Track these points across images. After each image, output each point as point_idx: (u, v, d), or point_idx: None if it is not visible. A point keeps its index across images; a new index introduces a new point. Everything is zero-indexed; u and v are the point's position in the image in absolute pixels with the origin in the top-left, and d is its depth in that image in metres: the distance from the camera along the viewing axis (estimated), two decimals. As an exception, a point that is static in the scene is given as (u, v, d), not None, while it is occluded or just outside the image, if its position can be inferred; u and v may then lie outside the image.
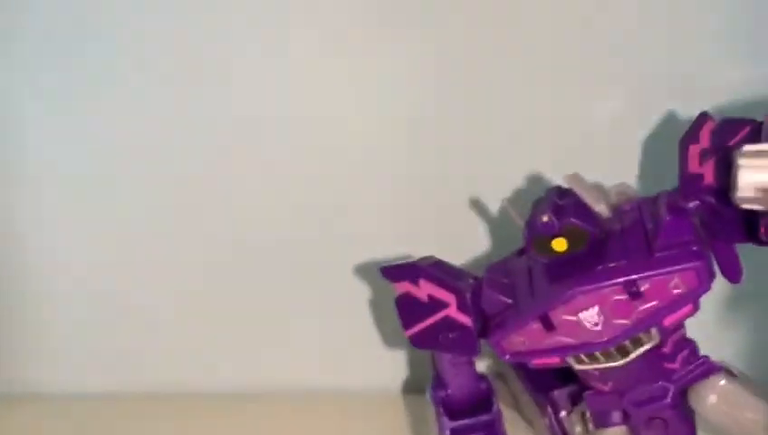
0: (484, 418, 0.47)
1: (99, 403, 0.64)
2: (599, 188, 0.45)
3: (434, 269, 0.46)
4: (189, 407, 0.63)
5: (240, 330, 0.64)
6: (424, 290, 0.45)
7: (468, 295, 0.45)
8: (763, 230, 0.38)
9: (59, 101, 0.58)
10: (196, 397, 0.64)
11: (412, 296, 0.46)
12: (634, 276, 0.41)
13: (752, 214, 0.38)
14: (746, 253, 0.43)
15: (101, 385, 0.65)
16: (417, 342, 0.46)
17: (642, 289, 0.41)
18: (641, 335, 0.43)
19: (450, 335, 0.45)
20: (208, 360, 0.65)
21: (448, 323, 0.45)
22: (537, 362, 0.45)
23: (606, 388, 0.46)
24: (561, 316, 0.42)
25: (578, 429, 0.50)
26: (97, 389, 0.65)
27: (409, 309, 0.46)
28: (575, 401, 0.52)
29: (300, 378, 0.65)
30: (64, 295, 0.64)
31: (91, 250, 0.63)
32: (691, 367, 0.45)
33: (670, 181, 0.45)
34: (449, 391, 0.47)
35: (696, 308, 0.42)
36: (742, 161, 0.36)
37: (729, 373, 0.45)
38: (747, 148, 0.36)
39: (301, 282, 0.63)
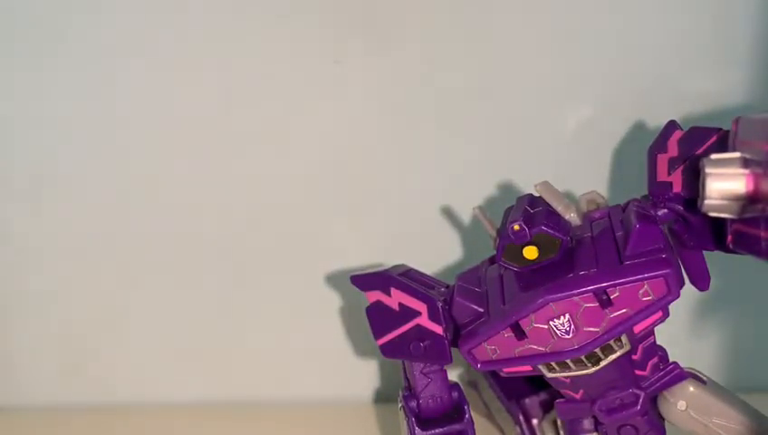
0: (456, 427, 0.46)
1: (65, 415, 0.63)
2: (568, 197, 0.46)
3: (405, 278, 0.45)
4: (155, 420, 0.62)
5: (209, 341, 0.63)
6: (395, 299, 0.45)
7: (439, 304, 0.45)
8: (730, 238, 0.38)
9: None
10: (163, 409, 0.63)
11: (383, 305, 0.45)
12: (604, 284, 0.41)
13: (719, 222, 0.39)
14: (714, 260, 0.44)
15: (68, 396, 0.64)
16: (388, 351, 0.46)
17: (612, 297, 0.41)
18: (612, 343, 0.43)
19: (422, 344, 0.45)
20: (177, 372, 0.64)
21: (420, 332, 0.45)
22: (508, 370, 0.44)
23: (577, 395, 0.46)
24: (532, 324, 0.42)
25: (549, 436, 0.50)
26: (63, 401, 0.64)
27: (380, 318, 0.46)
28: (547, 408, 0.52)
29: (270, 388, 0.64)
30: (32, 305, 0.63)
31: (56, 262, 0.62)
32: (661, 374, 0.45)
33: (639, 189, 0.45)
34: (421, 401, 0.47)
35: (665, 315, 0.42)
36: (709, 170, 0.36)
37: (698, 380, 0.45)
38: (715, 156, 0.36)
39: (271, 291, 0.62)
